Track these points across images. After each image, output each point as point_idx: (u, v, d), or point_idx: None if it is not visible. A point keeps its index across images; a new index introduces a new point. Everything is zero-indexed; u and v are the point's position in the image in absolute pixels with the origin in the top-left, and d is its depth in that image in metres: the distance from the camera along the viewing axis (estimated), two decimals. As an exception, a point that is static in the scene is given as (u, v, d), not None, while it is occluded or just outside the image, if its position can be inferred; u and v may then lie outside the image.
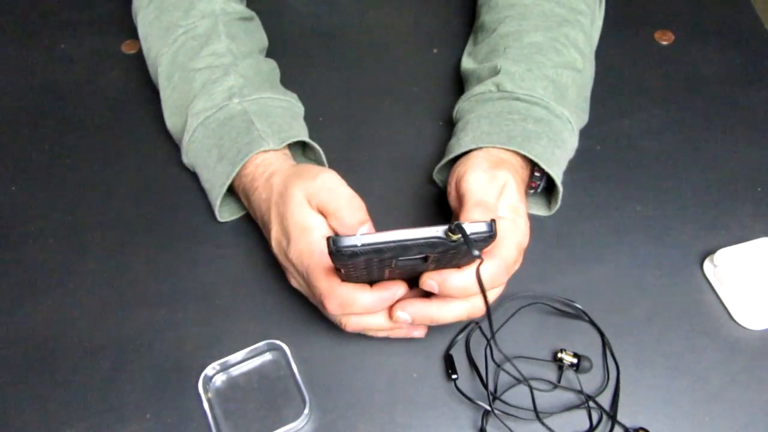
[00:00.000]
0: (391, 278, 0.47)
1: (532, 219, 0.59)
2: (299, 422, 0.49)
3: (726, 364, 0.53)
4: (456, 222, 0.39)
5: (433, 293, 0.48)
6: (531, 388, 0.50)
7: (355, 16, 0.78)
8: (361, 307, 0.46)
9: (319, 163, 0.62)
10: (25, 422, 0.51)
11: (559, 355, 0.52)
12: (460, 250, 0.40)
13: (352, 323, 0.48)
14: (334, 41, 0.75)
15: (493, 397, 0.51)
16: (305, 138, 0.59)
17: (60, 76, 0.73)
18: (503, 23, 0.64)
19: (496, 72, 0.61)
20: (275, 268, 0.55)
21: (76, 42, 0.76)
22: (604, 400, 0.51)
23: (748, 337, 0.54)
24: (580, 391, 0.51)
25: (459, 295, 0.46)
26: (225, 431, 0.50)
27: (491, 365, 0.52)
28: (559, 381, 0.52)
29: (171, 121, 0.63)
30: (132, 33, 0.71)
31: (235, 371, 0.53)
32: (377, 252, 0.39)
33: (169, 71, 0.62)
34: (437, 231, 0.39)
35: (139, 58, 0.71)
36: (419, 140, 0.66)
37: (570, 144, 0.59)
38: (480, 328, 0.46)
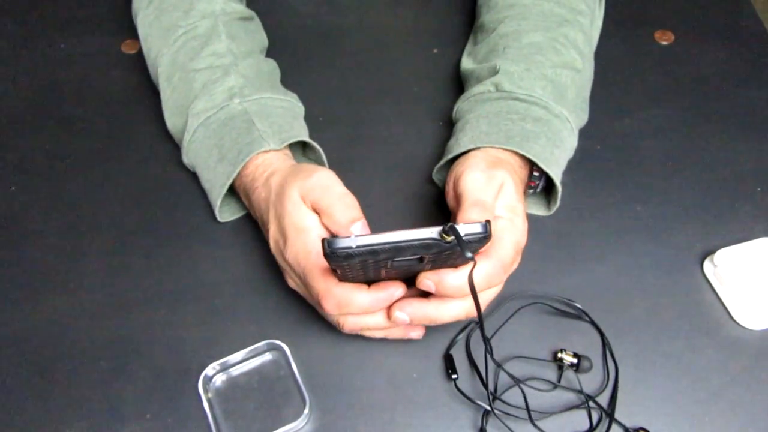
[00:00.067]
0: (388, 278, 0.47)
1: (532, 219, 0.60)
2: (299, 422, 0.49)
3: (726, 364, 0.53)
4: (449, 223, 0.39)
5: (431, 293, 0.48)
6: (523, 391, 0.50)
7: (355, 16, 0.78)
8: (358, 307, 0.46)
9: (320, 163, 0.62)
10: (25, 422, 0.51)
11: (559, 355, 0.52)
12: (456, 251, 0.40)
13: (349, 323, 0.48)
14: (334, 41, 0.75)
15: (493, 397, 0.51)
16: (306, 138, 0.59)
17: (60, 76, 0.73)
18: (503, 23, 0.64)
19: (495, 72, 0.61)
20: (275, 268, 0.55)
21: (76, 42, 0.76)
22: (604, 400, 0.51)
23: (748, 337, 0.54)
24: (580, 391, 0.51)
25: (456, 294, 0.46)
26: (225, 431, 0.50)
27: (491, 365, 0.52)
28: (559, 381, 0.52)
29: (171, 122, 0.63)
30: (132, 33, 0.71)
31: (235, 371, 0.53)
32: (372, 253, 0.39)
33: (170, 72, 0.62)
34: (431, 232, 0.39)
35: (139, 58, 0.71)
36: (419, 140, 0.66)
37: (569, 143, 0.59)
38: (480, 328, 0.46)
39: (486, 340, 0.53)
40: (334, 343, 0.54)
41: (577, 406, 0.51)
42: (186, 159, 0.61)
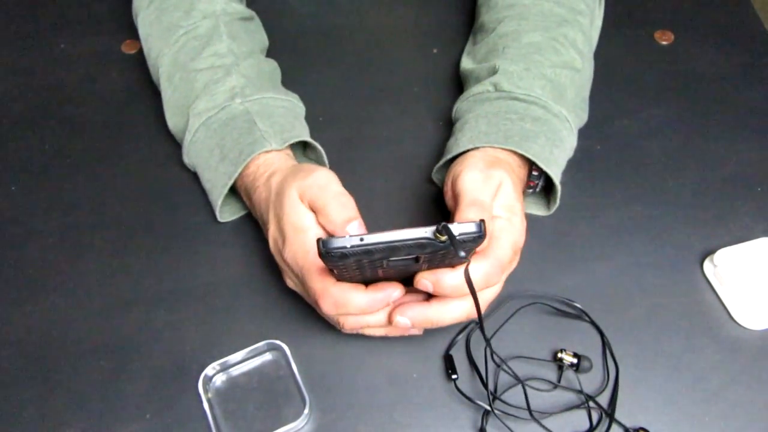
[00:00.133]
0: (386, 278, 0.47)
1: (532, 219, 0.60)
2: (299, 422, 0.49)
3: (726, 364, 0.53)
4: (443, 223, 0.39)
5: (432, 295, 0.48)
6: (525, 389, 0.50)
7: (355, 16, 0.78)
8: (356, 307, 0.46)
9: (321, 162, 0.62)
10: (25, 422, 0.51)
11: (559, 355, 0.52)
12: (451, 251, 0.40)
13: (349, 322, 0.48)
14: (334, 41, 0.75)
15: (493, 397, 0.51)
16: (307, 138, 0.59)
17: (60, 76, 0.73)
18: (502, 23, 0.64)
19: (494, 72, 0.61)
20: (275, 268, 0.55)
21: (76, 42, 0.76)
22: (604, 400, 0.51)
23: (748, 337, 0.54)
24: (580, 391, 0.51)
25: (453, 294, 0.46)
26: (225, 431, 0.50)
27: (491, 365, 0.52)
28: (559, 381, 0.52)
29: (173, 122, 0.63)
30: (132, 33, 0.71)
31: (235, 371, 0.53)
32: (367, 253, 0.39)
33: (171, 72, 0.62)
34: (426, 232, 0.39)
35: (139, 58, 0.71)
36: (419, 140, 0.66)
37: (568, 143, 0.59)
38: (480, 328, 0.46)
39: (487, 340, 0.53)
40: (334, 343, 0.54)
41: (577, 406, 0.51)
42: (187, 159, 0.61)
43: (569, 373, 0.52)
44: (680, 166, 0.65)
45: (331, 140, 0.63)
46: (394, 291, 0.46)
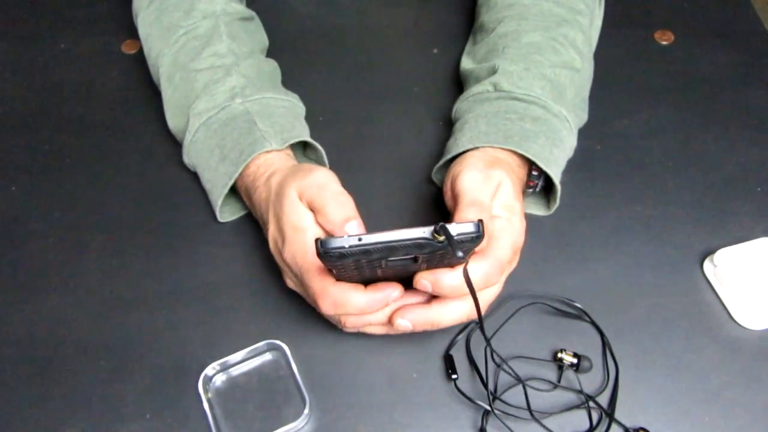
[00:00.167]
0: (385, 278, 0.47)
1: (532, 219, 0.60)
2: (299, 422, 0.49)
3: (726, 364, 0.53)
4: (441, 223, 0.39)
5: (431, 295, 0.48)
6: (525, 389, 0.50)
7: (355, 16, 0.78)
8: (355, 307, 0.46)
9: (321, 162, 0.62)
10: (25, 422, 0.51)
11: (559, 355, 0.52)
12: (449, 251, 0.40)
13: (350, 321, 0.48)
14: (334, 41, 0.75)
15: (493, 397, 0.51)
16: (307, 138, 0.59)
17: (60, 76, 0.73)
18: (502, 23, 0.64)
19: (494, 72, 0.61)
20: (275, 268, 0.55)
21: (76, 42, 0.76)
22: (605, 400, 0.51)
23: (748, 337, 0.54)
24: (580, 391, 0.51)
25: (452, 294, 0.46)
26: (225, 431, 0.50)
27: (491, 365, 0.52)
28: (559, 381, 0.52)
29: (173, 122, 0.63)
30: (132, 33, 0.71)
31: (235, 371, 0.53)
32: (365, 253, 0.39)
33: (171, 72, 0.62)
34: (424, 232, 0.39)
35: (139, 58, 0.71)
36: (419, 140, 0.66)
37: (568, 143, 0.59)
38: (480, 328, 0.46)
39: (487, 340, 0.53)
40: (334, 343, 0.54)
41: (577, 406, 0.51)
42: (187, 159, 0.61)
43: (569, 373, 0.52)
44: (680, 166, 0.65)
45: (331, 140, 0.63)
46: (393, 291, 0.46)
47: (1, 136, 0.68)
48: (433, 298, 0.48)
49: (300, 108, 0.63)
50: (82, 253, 0.59)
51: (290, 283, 0.52)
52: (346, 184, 0.50)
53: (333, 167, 0.61)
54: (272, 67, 0.67)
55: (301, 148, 0.63)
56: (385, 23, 0.78)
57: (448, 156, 0.57)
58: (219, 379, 0.53)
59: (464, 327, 0.54)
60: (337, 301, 0.46)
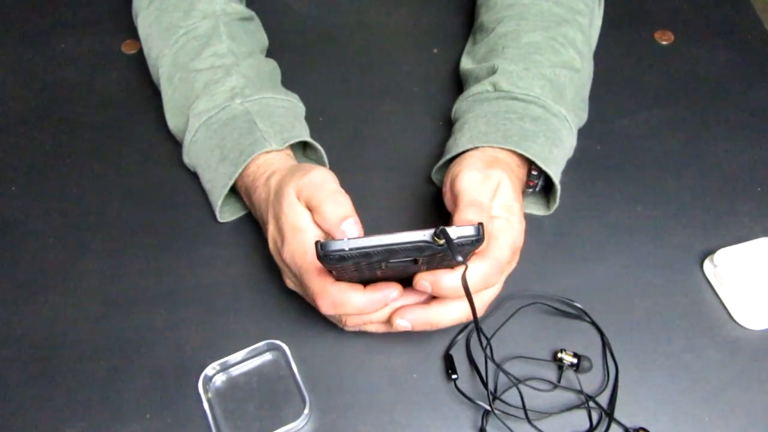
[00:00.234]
0: (384, 278, 0.47)
1: (532, 219, 0.60)
2: (299, 422, 0.49)
3: (726, 364, 0.53)
4: (441, 227, 0.39)
5: (432, 297, 0.48)
6: (520, 392, 0.50)
7: (355, 16, 0.78)
8: (354, 307, 0.46)
9: (321, 162, 0.62)
10: (25, 422, 0.51)
11: (559, 355, 0.52)
12: (449, 253, 0.40)
13: (351, 320, 0.49)
14: (334, 41, 0.75)
15: (493, 397, 0.51)
16: (307, 138, 0.59)
17: (60, 76, 0.73)
18: (501, 23, 0.64)
19: (493, 72, 0.61)
20: (275, 268, 0.55)
21: (76, 42, 0.76)
22: (604, 400, 0.51)
23: (748, 337, 0.54)
24: (580, 391, 0.51)
25: (452, 295, 0.46)
26: (225, 431, 0.50)
27: (491, 365, 0.52)
28: (559, 381, 0.52)
29: (173, 122, 0.63)
30: (132, 33, 0.71)
31: (235, 371, 0.53)
32: (365, 255, 0.39)
33: (170, 72, 0.62)
34: (424, 235, 0.39)
35: (139, 58, 0.71)
36: (419, 140, 0.66)
37: (568, 143, 0.59)
38: (477, 331, 0.46)
39: (487, 340, 0.53)
40: (334, 343, 0.54)
41: (577, 406, 0.51)
42: (187, 159, 0.61)
43: (569, 373, 0.52)
44: (680, 166, 0.65)
45: (331, 140, 0.63)
46: (392, 291, 0.46)
47: (1, 136, 0.68)
48: (432, 298, 0.48)
49: (300, 108, 0.63)
50: (82, 253, 0.59)
51: (290, 283, 0.52)
52: (345, 184, 0.50)
53: (333, 167, 0.61)
54: (272, 67, 0.67)
55: (301, 148, 0.63)
56: (385, 23, 0.78)
57: (448, 156, 0.57)
58: (219, 379, 0.53)
59: (464, 327, 0.54)
60: (337, 301, 0.46)
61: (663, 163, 0.65)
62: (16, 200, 0.63)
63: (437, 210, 0.61)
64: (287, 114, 0.60)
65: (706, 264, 0.58)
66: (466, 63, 0.68)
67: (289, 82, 0.66)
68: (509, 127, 0.56)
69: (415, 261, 0.42)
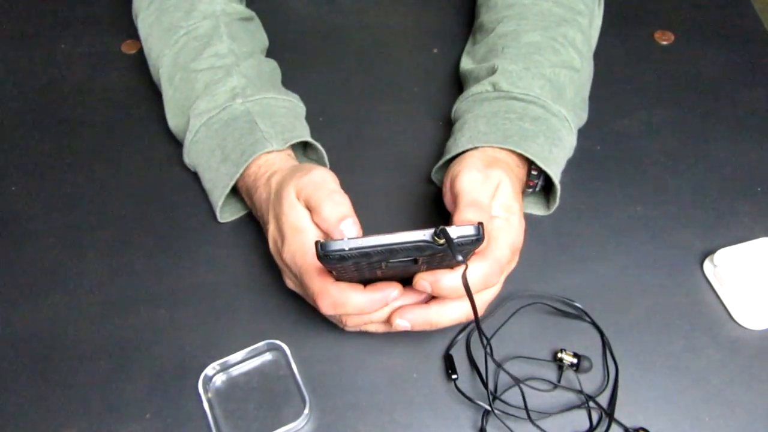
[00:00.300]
0: (385, 278, 0.47)
1: (532, 219, 0.60)
2: (299, 422, 0.49)
3: (726, 364, 0.53)
4: (441, 226, 0.39)
5: (431, 297, 0.48)
6: (522, 391, 0.50)
7: (355, 16, 0.78)
8: (354, 307, 0.46)
9: (321, 163, 0.62)
10: (25, 422, 0.51)
11: (559, 355, 0.52)
12: (449, 253, 0.40)
13: (351, 321, 0.49)
14: (334, 41, 0.75)
15: (493, 397, 0.51)
16: (308, 138, 0.59)
17: (60, 76, 0.73)
18: (501, 23, 0.64)
19: (493, 71, 0.61)
20: (275, 268, 0.55)
21: (76, 42, 0.76)
22: (604, 400, 0.51)
23: (748, 337, 0.54)
24: (580, 391, 0.51)
25: (452, 295, 0.46)
26: (225, 431, 0.50)
27: (491, 365, 0.52)
28: (559, 381, 0.52)
29: (174, 122, 0.63)
30: (132, 33, 0.71)
31: (235, 371, 0.53)
32: (365, 255, 0.39)
33: (171, 72, 0.62)
34: (424, 235, 0.39)
35: (139, 58, 0.71)
36: (419, 140, 0.66)
37: (568, 142, 0.59)
38: (478, 330, 0.46)
39: (486, 340, 0.53)
40: (334, 343, 0.54)
41: (577, 406, 0.51)
42: (187, 159, 0.61)
43: (569, 373, 0.52)
44: (680, 166, 0.65)
45: (331, 140, 0.63)
46: (392, 291, 0.46)
47: (1, 136, 0.68)
48: (432, 297, 0.48)
49: (300, 108, 0.63)
50: (82, 253, 0.59)
51: (290, 284, 0.52)
52: (345, 184, 0.50)
53: (333, 167, 0.61)
54: (272, 67, 0.67)
55: (302, 148, 0.63)
56: (385, 23, 0.78)
57: (448, 156, 0.57)
58: (219, 379, 0.53)
59: (464, 327, 0.54)
60: (337, 301, 0.46)
61: (663, 163, 0.65)
62: (16, 200, 0.63)
63: (437, 210, 0.61)
64: (288, 114, 0.60)
65: (706, 264, 0.58)
66: (466, 63, 0.68)
67: (289, 82, 0.66)
68: (509, 127, 0.56)
69: (415, 261, 0.42)
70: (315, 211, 0.48)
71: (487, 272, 0.46)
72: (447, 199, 0.54)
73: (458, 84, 0.70)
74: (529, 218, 0.53)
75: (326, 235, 0.48)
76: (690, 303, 0.56)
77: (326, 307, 0.46)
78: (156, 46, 0.64)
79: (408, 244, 0.39)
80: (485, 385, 0.51)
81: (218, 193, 0.57)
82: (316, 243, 0.39)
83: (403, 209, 0.62)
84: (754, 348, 0.54)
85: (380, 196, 0.62)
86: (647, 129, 0.67)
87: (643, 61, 0.73)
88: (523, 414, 0.49)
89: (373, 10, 0.79)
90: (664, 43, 0.75)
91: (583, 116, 0.63)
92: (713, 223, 0.61)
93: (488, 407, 0.49)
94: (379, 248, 0.39)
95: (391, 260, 0.41)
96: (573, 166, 0.61)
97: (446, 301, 0.48)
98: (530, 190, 0.60)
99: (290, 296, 0.54)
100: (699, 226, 0.60)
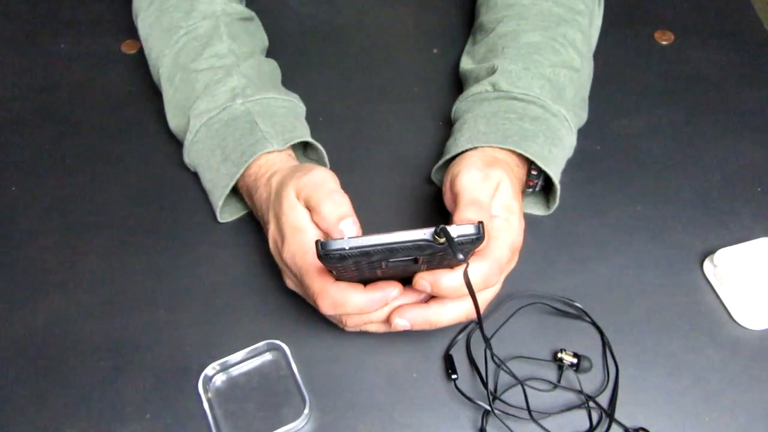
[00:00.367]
0: (385, 278, 0.47)
1: (532, 219, 0.60)
2: (299, 422, 0.49)
3: (726, 364, 0.53)
4: (441, 225, 0.39)
5: (431, 297, 0.48)
6: (524, 390, 0.50)
7: (355, 16, 0.78)
8: (354, 307, 0.46)
9: (321, 163, 0.62)
10: (25, 422, 0.51)
11: (559, 355, 0.52)
12: (449, 252, 0.40)
13: (351, 320, 0.49)
14: (334, 41, 0.75)
15: (493, 397, 0.51)
16: (308, 138, 0.59)
17: (60, 76, 0.73)
18: (501, 23, 0.64)
19: (493, 71, 0.61)
20: (275, 268, 0.55)
21: (76, 42, 0.76)
22: (604, 400, 0.51)
23: (748, 337, 0.54)
24: (580, 391, 0.51)
25: (451, 295, 0.46)
26: (225, 431, 0.50)
27: (491, 365, 0.52)
28: (559, 381, 0.52)
29: (174, 122, 0.63)
30: (132, 33, 0.71)
31: (235, 371, 0.53)
32: (365, 255, 0.39)
33: (171, 72, 0.62)
34: (424, 234, 0.39)
35: (139, 58, 0.71)
36: (419, 140, 0.66)
37: (568, 142, 0.59)
38: (480, 328, 0.46)
39: (486, 340, 0.53)
40: (334, 343, 0.54)
41: (577, 406, 0.51)
42: (187, 159, 0.61)
43: (569, 373, 0.52)
44: (680, 166, 0.65)
45: (331, 140, 0.63)
46: (392, 290, 0.46)
47: (1, 136, 0.68)
48: (432, 297, 0.48)
49: (300, 108, 0.63)
50: (82, 253, 0.59)
51: (290, 283, 0.52)
52: (345, 184, 0.50)
53: (333, 167, 0.61)
54: (272, 67, 0.67)
55: (302, 149, 0.63)
56: (385, 23, 0.78)
57: (448, 156, 0.57)
58: (219, 379, 0.53)
59: (464, 327, 0.54)
60: (337, 301, 0.46)
61: (663, 163, 0.65)
62: (16, 200, 0.63)
63: (437, 210, 0.61)
64: (288, 114, 0.60)
65: (706, 264, 0.58)
66: (466, 63, 0.68)
67: (289, 82, 0.66)
68: (509, 127, 0.56)
69: (416, 260, 0.42)
70: (315, 210, 0.48)
71: (487, 272, 0.46)
72: (447, 198, 0.54)
73: (458, 84, 0.70)
74: (529, 218, 0.53)
75: (326, 234, 0.48)
76: (690, 303, 0.56)
77: (326, 307, 0.46)
78: (156, 46, 0.64)
79: (408, 243, 0.39)
80: (485, 385, 0.51)
81: (218, 193, 0.57)
82: (317, 242, 0.39)
83: (403, 209, 0.62)
84: (754, 348, 0.54)
85: (380, 196, 0.62)
86: (647, 129, 0.67)
87: (643, 61, 0.73)
88: (523, 414, 0.49)
89: (373, 11, 0.79)
90: (664, 43, 0.75)
91: (583, 116, 0.63)
92: (713, 223, 0.61)
93: (488, 407, 0.49)
94: (379, 247, 0.39)
95: (392, 259, 0.41)
96: (573, 166, 0.61)
97: (446, 300, 0.48)
98: (530, 190, 0.60)
99: (290, 296, 0.54)
100: (699, 226, 0.60)
